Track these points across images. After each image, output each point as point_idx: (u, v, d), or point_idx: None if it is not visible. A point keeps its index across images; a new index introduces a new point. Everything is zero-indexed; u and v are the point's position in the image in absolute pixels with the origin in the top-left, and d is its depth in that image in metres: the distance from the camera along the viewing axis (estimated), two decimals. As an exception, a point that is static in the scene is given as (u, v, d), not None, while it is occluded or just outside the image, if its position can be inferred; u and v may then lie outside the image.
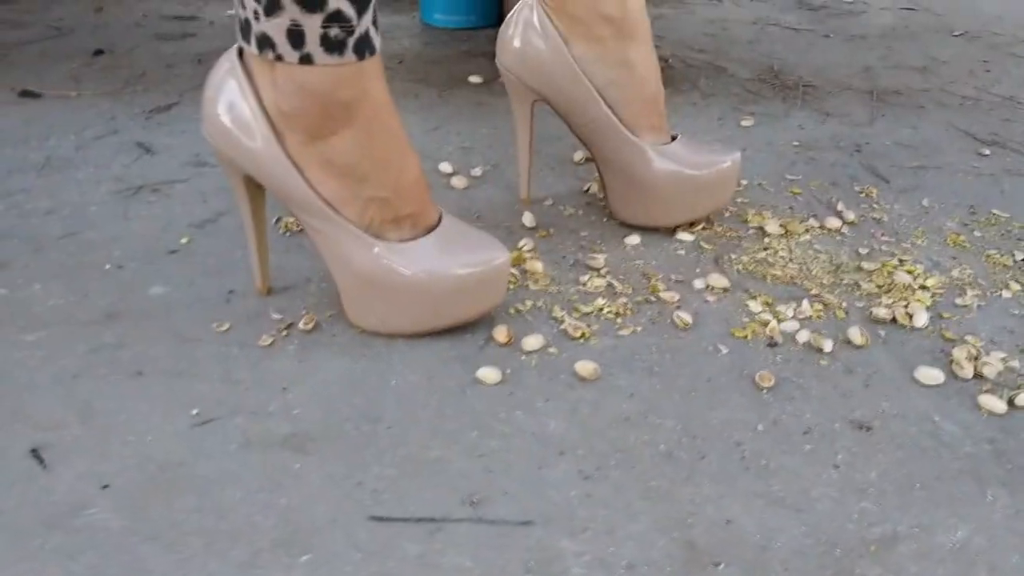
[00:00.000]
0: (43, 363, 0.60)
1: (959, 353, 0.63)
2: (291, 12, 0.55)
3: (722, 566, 0.47)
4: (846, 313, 0.67)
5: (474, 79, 1.08)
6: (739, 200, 0.83)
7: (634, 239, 0.76)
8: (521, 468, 0.53)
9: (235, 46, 0.60)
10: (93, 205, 0.80)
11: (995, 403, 0.59)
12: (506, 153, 0.91)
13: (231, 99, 0.59)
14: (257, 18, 0.56)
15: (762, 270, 0.72)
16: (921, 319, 0.66)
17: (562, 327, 0.65)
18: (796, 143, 0.95)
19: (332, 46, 0.56)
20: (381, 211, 0.61)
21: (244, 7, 0.57)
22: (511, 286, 0.70)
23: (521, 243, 0.75)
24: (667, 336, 0.65)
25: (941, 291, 0.70)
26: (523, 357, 0.62)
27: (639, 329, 0.65)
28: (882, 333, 0.66)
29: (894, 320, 0.67)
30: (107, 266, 0.71)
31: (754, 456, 0.54)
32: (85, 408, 0.57)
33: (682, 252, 0.75)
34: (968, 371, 0.61)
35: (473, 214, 0.80)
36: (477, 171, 0.87)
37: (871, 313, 0.67)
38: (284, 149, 0.59)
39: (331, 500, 0.50)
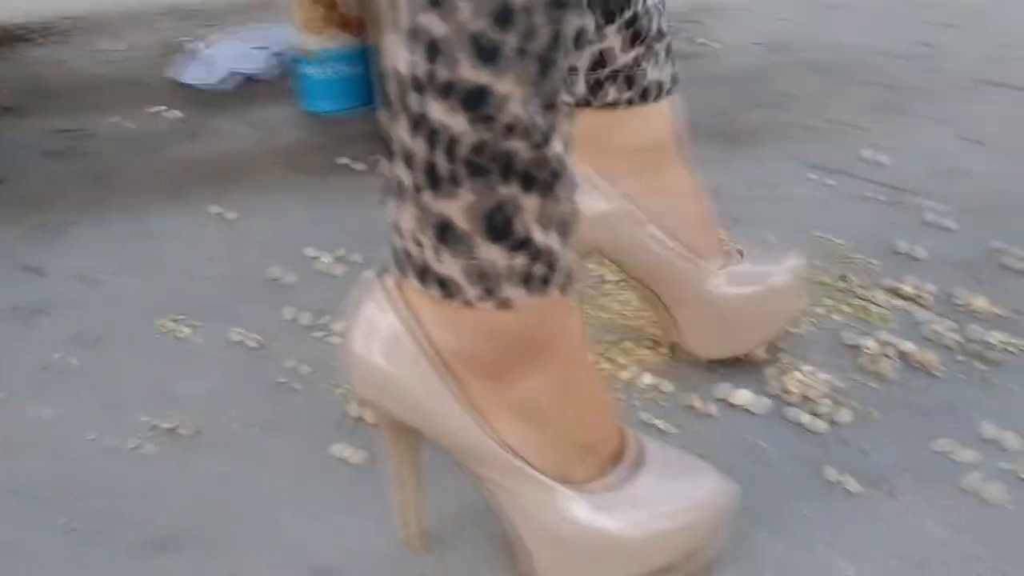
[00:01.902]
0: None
1: (787, 380, 0.69)
2: (480, 248, 0.46)
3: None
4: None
5: (352, 164, 1.13)
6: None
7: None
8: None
9: (377, 270, 0.51)
10: (-19, 334, 0.83)
11: (818, 424, 0.65)
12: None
13: (389, 342, 0.50)
14: (436, 253, 0.47)
15: (595, 314, 0.79)
16: (756, 352, 0.72)
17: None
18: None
19: (533, 284, 0.47)
20: (570, 451, 0.51)
21: (400, 235, 0.48)
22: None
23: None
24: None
25: (777, 322, 0.77)
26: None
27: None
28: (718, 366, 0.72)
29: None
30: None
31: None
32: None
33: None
34: (795, 395, 0.68)
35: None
36: (357, 257, 0.92)
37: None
38: (461, 397, 0.49)
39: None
